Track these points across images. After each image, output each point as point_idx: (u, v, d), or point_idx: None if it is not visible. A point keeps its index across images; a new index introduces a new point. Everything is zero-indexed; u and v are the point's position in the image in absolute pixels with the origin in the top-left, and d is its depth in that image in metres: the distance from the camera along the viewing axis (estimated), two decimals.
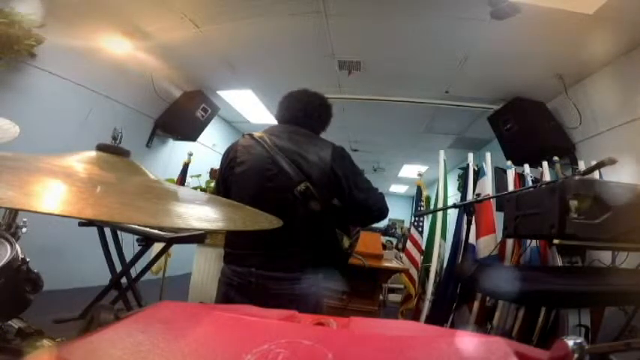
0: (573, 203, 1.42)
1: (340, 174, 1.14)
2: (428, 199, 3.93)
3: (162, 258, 2.19)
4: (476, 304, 2.36)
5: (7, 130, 1.23)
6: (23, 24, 2.62)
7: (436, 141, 5.17)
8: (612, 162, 1.36)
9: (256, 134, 1.23)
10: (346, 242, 1.22)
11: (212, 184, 2.95)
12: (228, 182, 1.23)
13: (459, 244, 2.51)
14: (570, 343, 0.31)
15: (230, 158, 1.24)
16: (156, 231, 1.61)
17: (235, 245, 1.19)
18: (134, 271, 1.79)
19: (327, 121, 1.35)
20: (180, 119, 4.42)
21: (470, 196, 2.73)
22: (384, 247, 2.73)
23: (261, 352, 0.29)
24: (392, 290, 4.00)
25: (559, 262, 2.12)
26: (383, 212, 1.21)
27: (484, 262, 2.33)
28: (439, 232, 2.79)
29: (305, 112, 1.27)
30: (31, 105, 2.90)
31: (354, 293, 1.92)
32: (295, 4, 2.71)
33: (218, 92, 4.55)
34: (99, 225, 1.72)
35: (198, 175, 3.21)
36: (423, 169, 6.02)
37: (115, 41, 3.29)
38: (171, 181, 2.97)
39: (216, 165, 1.43)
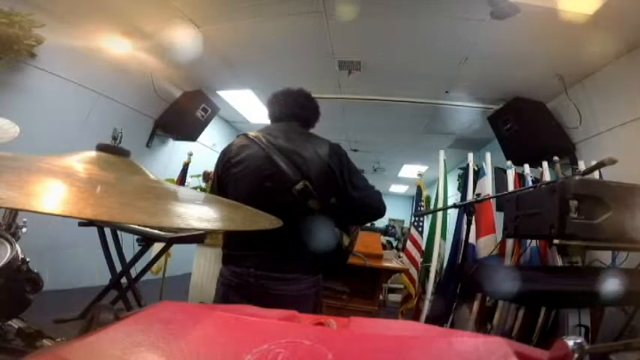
0: (573, 203, 1.42)
1: (337, 171, 1.14)
2: (428, 199, 3.93)
3: (163, 258, 2.19)
4: (476, 304, 2.36)
5: (7, 130, 1.23)
6: (23, 24, 2.62)
7: (436, 141, 5.17)
8: (612, 162, 1.36)
9: (251, 134, 1.22)
10: (346, 240, 1.21)
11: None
12: (224, 184, 1.22)
13: (459, 244, 2.51)
14: (570, 343, 0.31)
15: (226, 159, 1.23)
16: (156, 231, 1.61)
17: (234, 246, 1.18)
18: (134, 271, 1.79)
19: (318, 112, 1.35)
20: (181, 119, 4.42)
21: (470, 196, 2.73)
22: (384, 247, 2.74)
23: (261, 352, 0.29)
24: (392, 290, 4.00)
25: (559, 262, 2.13)
26: (380, 210, 1.20)
27: (484, 262, 2.34)
28: (439, 232, 2.79)
29: (297, 105, 1.28)
30: (31, 105, 2.90)
31: (354, 293, 1.92)
32: (295, 4, 2.71)
33: (218, 92, 4.55)
34: (99, 225, 1.71)
35: (198, 175, 3.20)
36: (423, 169, 6.02)
37: (115, 41, 3.29)
38: (171, 181, 2.97)
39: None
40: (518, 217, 1.83)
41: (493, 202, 2.59)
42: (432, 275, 2.66)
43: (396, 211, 9.30)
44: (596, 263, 2.11)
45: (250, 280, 1.10)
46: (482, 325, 2.37)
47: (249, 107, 4.90)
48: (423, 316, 2.56)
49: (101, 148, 0.60)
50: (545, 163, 2.69)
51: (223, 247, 1.22)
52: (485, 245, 2.48)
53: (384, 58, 3.38)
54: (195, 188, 2.87)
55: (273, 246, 1.09)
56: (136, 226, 1.58)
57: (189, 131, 4.55)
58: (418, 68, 3.47)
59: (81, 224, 1.73)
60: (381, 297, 2.89)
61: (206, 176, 2.94)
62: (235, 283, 1.13)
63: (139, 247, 1.68)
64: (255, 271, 1.10)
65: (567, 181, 1.51)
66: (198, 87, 4.40)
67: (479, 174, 2.85)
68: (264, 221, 0.66)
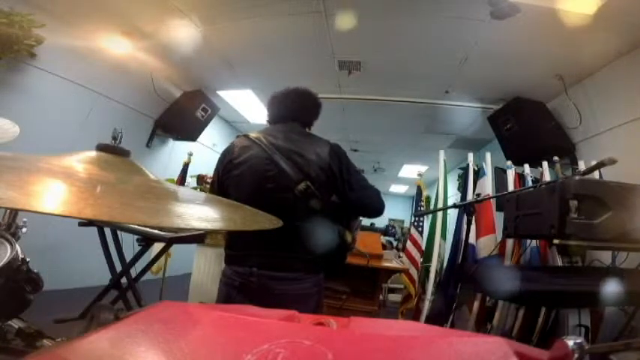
0: (573, 203, 1.42)
1: (336, 172, 1.15)
2: (428, 199, 3.93)
3: (163, 258, 2.18)
4: (476, 304, 2.36)
5: (7, 130, 1.23)
6: (23, 24, 2.62)
7: (436, 141, 5.17)
8: (612, 162, 1.36)
9: (252, 135, 1.22)
10: (349, 237, 1.22)
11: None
12: (225, 185, 1.23)
13: (459, 244, 2.51)
14: (570, 343, 0.31)
15: (227, 161, 1.23)
16: (156, 231, 1.61)
17: (236, 246, 1.19)
18: (134, 271, 1.78)
19: (318, 111, 1.35)
20: (181, 119, 4.42)
21: (470, 196, 2.73)
22: (384, 247, 2.74)
23: (261, 352, 0.29)
24: (392, 290, 4.00)
25: (559, 262, 2.13)
26: (378, 209, 1.22)
27: (484, 262, 2.34)
28: (439, 232, 2.79)
29: (297, 105, 1.29)
30: (31, 105, 2.89)
31: (354, 293, 1.92)
32: (295, 4, 2.71)
33: (218, 92, 4.55)
34: (99, 225, 1.71)
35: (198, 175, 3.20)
36: (423, 169, 6.02)
37: (115, 41, 3.29)
38: (171, 181, 2.97)
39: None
40: (518, 217, 1.83)
41: (493, 202, 2.59)
42: (432, 275, 2.66)
43: (396, 211, 9.31)
44: (596, 263, 2.11)
45: (253, 280, 1.11)
46: (482, 325, 2.37)
47: (249, 107, 4.90)
48: (423, 316, 2.56)
49: (101, 148, 0.60)
50: (545, 163, 2.69)
51: (226, 248, 1.23)
52: (485, 245, 2.48)
53: (384, 58, 3.38)
54: (195, 188, 2.87)
55: (275, 246, 1.10)
56: (136, 226, 1.57)
57: (189, 131, 4.55)
58: (418, 68, 3.47)
59: (81, 224, 1.73)
60: (381, 297, 2.89)
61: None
62: (238, 283, 1.13)
63: (139, 247, 1.67)
64: (258, 270, 1.10)
65: (567, 181, 1.51)
66: (198, 87, 4.40)
67: (479, 174, 2.85)
68: (265, 221, 0.66)
